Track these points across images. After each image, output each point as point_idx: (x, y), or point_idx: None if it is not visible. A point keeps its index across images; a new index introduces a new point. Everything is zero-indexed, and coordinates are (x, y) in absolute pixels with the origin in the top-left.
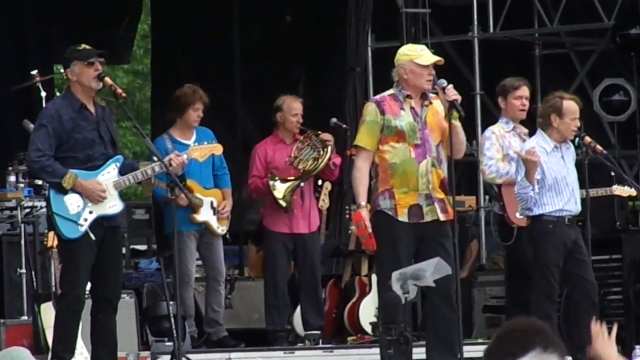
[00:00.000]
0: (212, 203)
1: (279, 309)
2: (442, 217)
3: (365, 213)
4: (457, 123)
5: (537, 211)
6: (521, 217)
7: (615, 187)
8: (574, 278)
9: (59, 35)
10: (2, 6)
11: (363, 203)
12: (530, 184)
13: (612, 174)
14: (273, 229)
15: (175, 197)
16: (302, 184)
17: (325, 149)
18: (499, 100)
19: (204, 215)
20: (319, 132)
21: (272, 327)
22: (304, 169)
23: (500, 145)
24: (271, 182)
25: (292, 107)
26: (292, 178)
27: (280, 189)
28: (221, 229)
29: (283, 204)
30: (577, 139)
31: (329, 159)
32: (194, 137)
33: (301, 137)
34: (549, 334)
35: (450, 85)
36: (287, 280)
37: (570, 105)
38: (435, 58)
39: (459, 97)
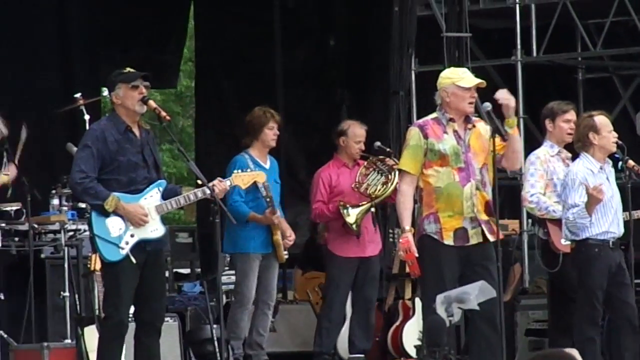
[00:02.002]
0: None
1: (329, 332)
2: (491, 238)
3: (411, 237)
4: (512, 131)
5: (582, 235)
6: (566, 242)
7: None
8: (615, 301)
9: (104, 59)
10: (50, 29)
11: (407, 227)
12: (588, 215)
13: None
14: (340, 254)
15: (272, 214)
16: (372, 209)
17: (393, 173)
18: (545, 123)
19: (280, 238)
20: (382, 157)
21: (318, 348)
22: (373, 194)
23: (545, 171)
24: (343, 210)
25: (357, 134)
26: (364, 203)
27: (352, 214)
28: (286, 254)
29: (355, 228)
30: (620, 163)
31: (397, 182)
32: (269, 163)
33: (364, 163)
34: None
35: (505, 90)
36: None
37: (603, 120)
38: (477, 80)
39: (510, 102)
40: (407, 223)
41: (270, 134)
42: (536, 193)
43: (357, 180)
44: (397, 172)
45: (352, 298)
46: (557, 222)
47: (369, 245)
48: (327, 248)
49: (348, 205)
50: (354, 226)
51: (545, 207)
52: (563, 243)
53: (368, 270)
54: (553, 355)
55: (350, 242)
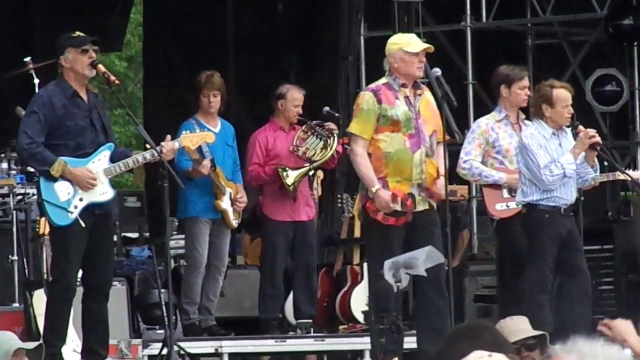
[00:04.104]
0: (230, 194)
1: (274, 298)
2: (432, 202)
3: (386, 192)
4: None
5: (533, 197)
6: (502, 208)
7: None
8: (568, 267)
9: (56, 25)
10: None
11: (377, 185)
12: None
13: (605, 163)
14: (274, 218)
15: (200, 165)
16: (310, 172)
17: (332, 138)
18: (501, 88)
19: (226, 203)
20: (321, 122)
21: (264, 315)
22: (312, 157)
23: (485, 139)
24: (283, 173)
25: (295, 98)
26: (303, 166)
27: (291, 176)
28: (235, 221)
29: (292, 190)
30: (570, 129)
31: (336, 147)
32: (219, 127)
33: (302, 127)
34: (496, 332)
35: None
36: (283, 269)
37: (561, 94)
38: (425, 45)
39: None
40: (375, 182)
41: (205, 100)
42: (469, 159)
43: (294, 143)
44: (335, 137)
45: (293, 264)
46: (492, 187)
47: (304, 210)
48: (262, 212)
49: (287, 167)
50: (291, 188)
51: (478, 172)
52: (498, 208)
53: (304, 235)
54: (474, 327)
55: (285, 205)
